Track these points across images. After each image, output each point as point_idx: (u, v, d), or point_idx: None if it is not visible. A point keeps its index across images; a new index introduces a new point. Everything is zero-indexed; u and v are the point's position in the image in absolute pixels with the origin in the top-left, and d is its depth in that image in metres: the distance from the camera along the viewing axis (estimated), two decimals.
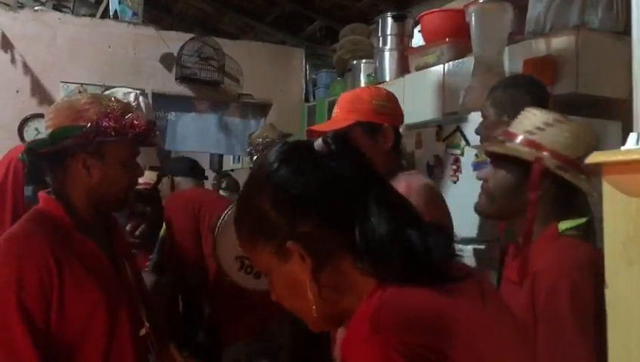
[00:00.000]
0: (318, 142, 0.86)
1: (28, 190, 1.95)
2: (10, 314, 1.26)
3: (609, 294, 0.98)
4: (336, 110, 1.87)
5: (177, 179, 2.94)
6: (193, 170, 3.07)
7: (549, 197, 1.36)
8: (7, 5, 6.64)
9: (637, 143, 0.93)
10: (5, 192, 1.97)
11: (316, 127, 1.95)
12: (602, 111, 2.56)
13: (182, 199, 2.79)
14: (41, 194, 1.45)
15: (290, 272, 0.85)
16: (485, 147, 1.46)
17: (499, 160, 1.42)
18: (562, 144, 1.33)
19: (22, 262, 1.30)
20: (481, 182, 1.50)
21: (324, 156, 0.85)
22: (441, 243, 0.83)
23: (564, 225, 1.34)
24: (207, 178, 3.15)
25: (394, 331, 0.74)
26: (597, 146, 1.33)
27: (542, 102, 1.97)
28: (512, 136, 1.39)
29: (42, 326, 1.28)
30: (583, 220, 1.32)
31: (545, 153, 1.32)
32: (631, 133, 0.96)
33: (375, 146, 1.81)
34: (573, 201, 1.39)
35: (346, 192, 0.83)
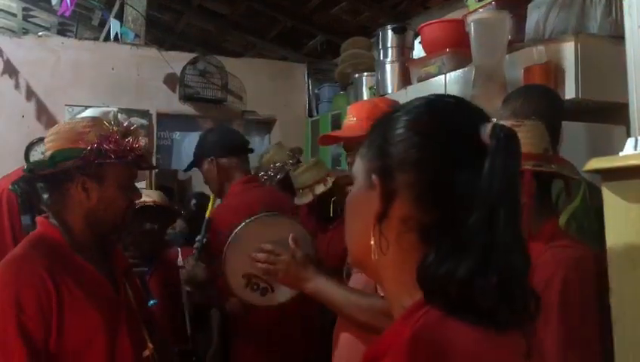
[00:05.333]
0: (485, 127, 0.74)
1: (26, 219, 1.96)
2: (10, 337, 1.25)
3: (614, 299, 0.96)
4: (350, 118, 1.84)
5: (222, 161, 2.49)
6: (234, 145, 2.56)
7: (534, 197, 1.39)
8: (12, 32, 6.76)
9: (635, 148, 0.92)
10: (3, 224, 1.98)
11: (334, 134, 1.93)
12: (606, 117, 2.54)
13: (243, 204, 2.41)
14: (39, 218, 1.45)
15: (364, 196, 0.79)
16: None
17: None
18: (528, 145, 1.37)
19: (20, 286, 1.29)
20: None
21: (480, 141, 0.74)
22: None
23: (563, 219, 1.36)
24: (252, 151, 2.68)
25: None
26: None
27: (559, 108, 2.01)
28: None
29: (42, 348, 1.28)
30: (576, 203, 1.36)
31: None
32: (628, 139, 0.95)
33: None
34: (550, 193, 1.43)
35: (477, 188, 0.71)
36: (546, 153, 1.39)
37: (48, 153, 1.41)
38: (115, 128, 1.42)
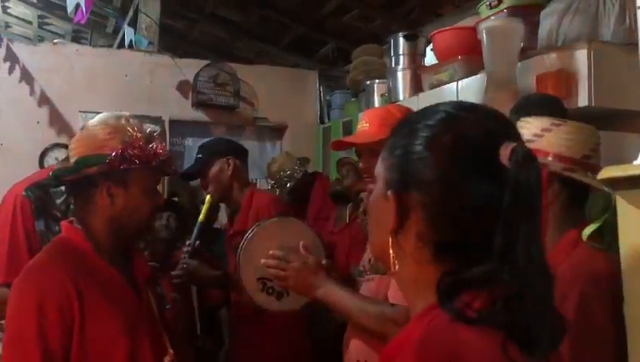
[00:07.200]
0: (505, 147, 0.73)
1: (39, 224, 1.98)
2: (29, 341, 1.26)
3: (628, 309, 0.95)
4: (363, 124, 1.84)
5: (237, 161, 2.52)
6: (243, 150, 2.67)
7: (560, 203, 1.31)
8: (28, 39, 6.84)
9: None
10: (17, 230, 2.00)
11: (347, 139, 1.93)
12: (620, 124, 2.53)
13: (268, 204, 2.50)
14: (64, 223, 1.47)
15: (381, 204, 0.80)
16: None
17: None
18: (564, 146, 1.28)
19: (42, 290, 1.30)
20: None
21: (499, 160, 0.73)
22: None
23: (587, 231, 1.29)
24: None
25: None
26: (600, 144, 1.31)
27: (561, 116, 1.98)
28: None
29: (60, 354, 1.28)
30: (601, 220, 1.27)
31: (549, 158, 1.28)
32: None
33: None
34: (585, 204, 1.35)
35: (495, 210, 0.71)
36: (586, 159, 1.30)
37: (73, 159, 1.42)
38: (139, 134, 1.44)
